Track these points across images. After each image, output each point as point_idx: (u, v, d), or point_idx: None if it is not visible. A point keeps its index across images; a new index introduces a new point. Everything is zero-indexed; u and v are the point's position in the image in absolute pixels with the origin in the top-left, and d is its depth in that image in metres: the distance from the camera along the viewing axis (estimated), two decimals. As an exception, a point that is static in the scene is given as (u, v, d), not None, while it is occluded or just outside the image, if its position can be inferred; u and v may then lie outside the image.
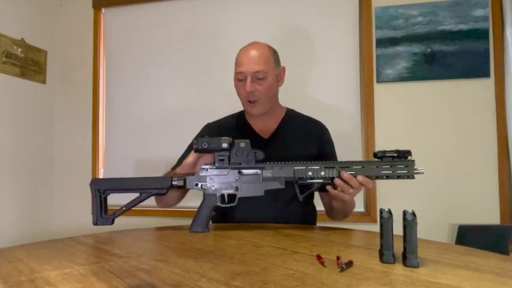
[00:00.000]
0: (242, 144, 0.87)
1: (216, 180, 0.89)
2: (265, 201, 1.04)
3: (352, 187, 0.83)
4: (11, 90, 1.82)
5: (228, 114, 1.25)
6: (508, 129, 1.54)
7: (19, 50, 1.85)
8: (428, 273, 0.54)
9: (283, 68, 1.14)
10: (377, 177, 0.82)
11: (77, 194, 2.01)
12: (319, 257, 0.62)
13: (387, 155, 0.81)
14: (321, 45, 1.77)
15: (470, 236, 1.46)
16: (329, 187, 0.86)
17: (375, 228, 1.05)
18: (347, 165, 0.84)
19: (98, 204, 0.90)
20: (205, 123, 1.22)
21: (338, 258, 0.61)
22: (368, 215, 1.68)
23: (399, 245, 0.60)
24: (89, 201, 2.00)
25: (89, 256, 0.69)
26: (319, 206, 1.18)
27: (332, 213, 1.10)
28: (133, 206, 0.92)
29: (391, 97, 1.68)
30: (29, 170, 1.92)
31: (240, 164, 0.88)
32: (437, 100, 1.65)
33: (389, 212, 0.60)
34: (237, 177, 0.88)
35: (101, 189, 0.91)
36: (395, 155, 0.81)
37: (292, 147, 1.09)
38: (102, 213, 0.91)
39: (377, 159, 0.83)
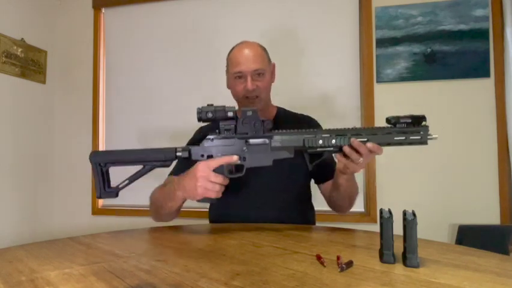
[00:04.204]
0: (249, 113, 0.83)
1: (222, 150, 0.84)
2: (265, 201, 1.04)
3: (361, 155, 0.79)
4: (11, 90, 1.82)
5: None
6: (508, 129, 1.54)
7: (19, 50, 1.85)
8: (428, 273, 0.54)
9: (274, 64, 1.16)
10: (389, 144, 0.78)
11: (77, 194, 2.01)
12: (319, 257, 0.62)
13: (401, 121, 0.77)
14: (321, 45, 1.76)
15: (470, 236, 1.46)
16: (338, 155, 0.82)
17: (375, 228, 1.05)
18: (359, 132, 0.79)
19: (100, 177, 0.85)
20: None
21: (338, 258, 0.61)
22: (368, 215, 1.68)
23: (399, 245, 0.60)
24: (89, 201, 2.01)
25: (89, 256, 0.69)
26: (318, 206, 1.17)
27: (337, 197, 1.03)
28: (137, 179, 0.86)
29: (391, 97, 1.68)
30: (29, 170, 1.92)
31: (247, 133, 0.83)
32: (437, 100, 1.65)
33: (389, 212, 0.60)
34: (244, 147, 0.84)
35: (101, 162, 0.85)
36: (409, 120, 0.77)
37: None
38: (105, 186, 0.85)
39: (390, 125, 0.79)
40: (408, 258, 0.57)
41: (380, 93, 1.69)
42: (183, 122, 1.89)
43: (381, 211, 0.60)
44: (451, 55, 1.63)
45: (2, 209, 1.76)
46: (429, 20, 1.65)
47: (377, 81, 1.69)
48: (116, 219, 1.92)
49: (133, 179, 0.85)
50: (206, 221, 1.16)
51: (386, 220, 0.59)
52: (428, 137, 0.77)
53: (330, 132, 0.80)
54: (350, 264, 0.58)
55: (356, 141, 0.78)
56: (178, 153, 0.85)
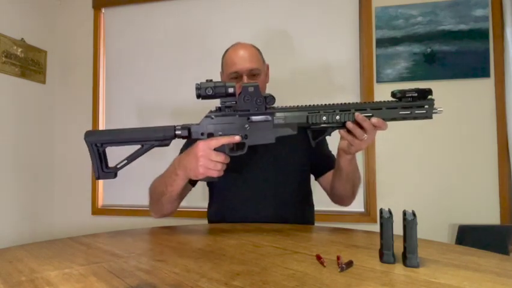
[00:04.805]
0: (251, 89, 0.81)
1: (223, 128, 0.83)
2: (264, 200, 1.04)
3: (366, 131, 0.77)
4: (11, 90, 1.82)
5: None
6: (508, 129, 1.54)
7: (19, 50, 1.85)
8: (428, 273, 0.54)
9: (268, 65, 1.17)
10: (394, 119, 0.78)
11: (77, 194, 2.01)
12: (319, 257, 0.62)
13: (407, 94, 0.76)
14: (321, 45, 1.76)
15: (470, 236, 1.46)
16: (342, 132, 0.81)
17: (375, 228, 1.05)
18: (363, 107, 0.78)
19: (97, 158, 0.82)
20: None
21: (338, 258, 0.61)
22: (368, 215, 1.68)
23: (399, 245, 0.60)
24: (89, 201, 2.01)
25: (89, 256, 0.69)
26: (318, 206, 1.18)
27: (339, 185, 1.00)
28: (135, 158, 0.84)
29: (391, 97, 1.68)
30: (29, 170, 1.92)
31: (248, 110, 0.81)
32: (437, 100, 1.64)
33: (389, 212, 0.60)
34: (246, 125, 0.82)
35: (98, 142, 0.82)
36: (415, 94, 0.75)
37: (281, 151, 1.02)
38: (103, 166, 0.83)
39: (395, 100, 0.78)
40: (408, 258, 0.57)
41: (380, 94, 1.68)
42: (183, 121, 1.90)
43: (381, 211, 0.60)
44: (450, 55, 1.63)
45: (2, 209, 1.76)
46: (429, 20, 1.65)
47: (377, 81, 1.69)
48: (116, 219, 1.92)
49: (131, 158, 0.83)
50: (206, 221, 1.16)
51: (386, 220, 0.59)
52: (434, 111, 0.76)
53: (334, 108, 0.79)
54: (350, 264, 0.58)
55: (360, 115, 0.77)
56: (178, 132, 0.83)
